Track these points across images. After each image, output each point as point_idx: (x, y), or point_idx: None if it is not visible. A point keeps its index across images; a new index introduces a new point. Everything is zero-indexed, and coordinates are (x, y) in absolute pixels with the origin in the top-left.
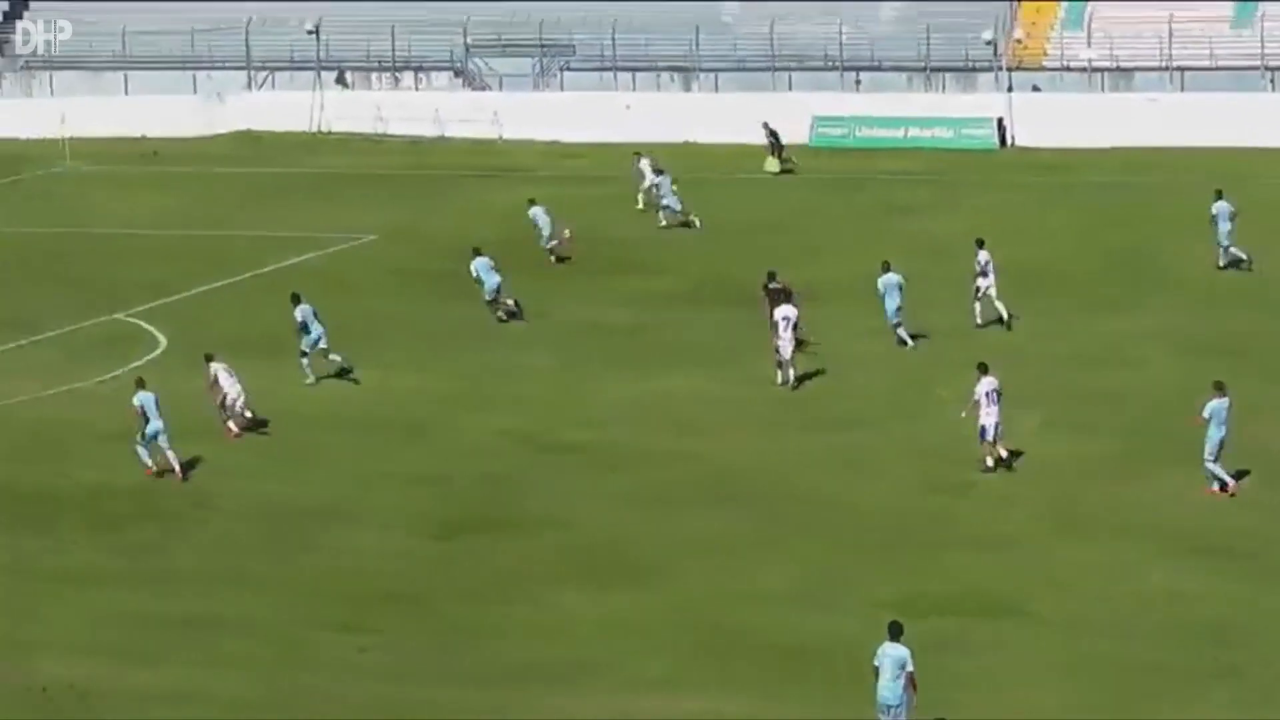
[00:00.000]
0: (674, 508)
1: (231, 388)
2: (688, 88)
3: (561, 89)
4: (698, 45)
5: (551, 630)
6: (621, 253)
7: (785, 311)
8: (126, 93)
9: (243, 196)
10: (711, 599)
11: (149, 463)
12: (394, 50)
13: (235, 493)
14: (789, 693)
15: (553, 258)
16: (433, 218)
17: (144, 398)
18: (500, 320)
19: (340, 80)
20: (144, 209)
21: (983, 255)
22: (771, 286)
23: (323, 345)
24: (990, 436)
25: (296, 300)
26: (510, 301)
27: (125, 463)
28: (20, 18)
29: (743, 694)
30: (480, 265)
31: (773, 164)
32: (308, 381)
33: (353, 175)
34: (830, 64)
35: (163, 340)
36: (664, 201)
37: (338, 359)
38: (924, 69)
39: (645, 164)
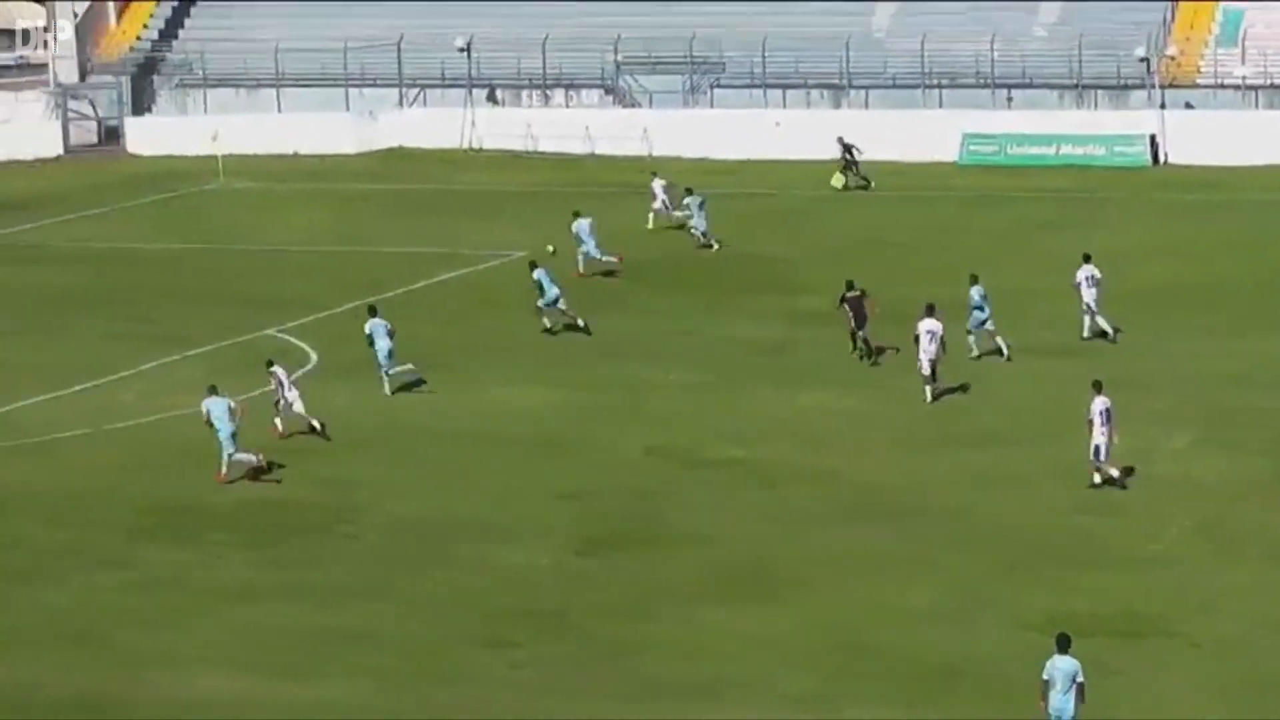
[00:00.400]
0: (819, 524)
1: (288, 391)
2: (837, 104)
3: (711, 106)
4: (848, 62)
5: (695, 647)
6: (769, 270)
7: (930, 325)
8: (280, 110)
9: (393, 213)
10: (855, 616)
11: (251, 458)
12: (545, 67)
13: (382, 508)
14: (932, 711)
15: (586, 271)
16: None
17: (209, 403)
18: (548, 332)
19: (491, 97)
20: (296, 225)
21: (1088, 269)
22: (849, 296)
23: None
24: (1103, 456)
25: (373, 313)
26: (571, 314)
27: (279, 477)
28: (176, 36)
29: (885, 712)
30: (541, 275)
31: (839, 179)
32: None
33: (502, 192)
34: (981, 81)
35: (314, 356)
36: (692, 222)
37: (408, 368)
38: (1076, 86)
39: (657, 184)
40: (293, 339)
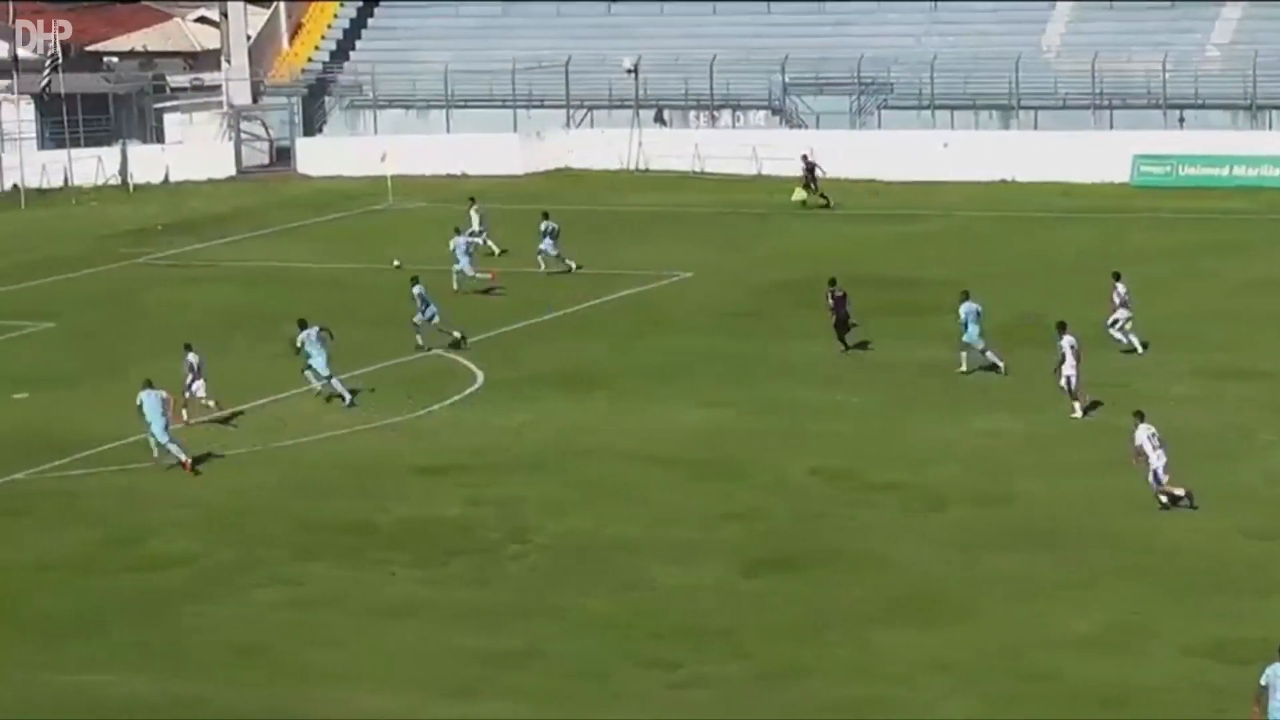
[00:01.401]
0: (986, 548)
1: (195, 381)
2: (1006, 125)
3: (879, 127)
4: (1017, 82)
5: (862, 669)
6: (936, 292)
7: (1072, 340)
8: (448, 130)
9: (560, 233)
10: (1022, 641)
11: (182, 457)
12: (712, 88)
13: (548, 527)
14: None
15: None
16: (747, 255)
17: (144, 395)
18: (419, 348)
19: (658, 118)
20: None
21: (1121, 287)
22: (834, 294)
23: (436, 321)
24: (1162, 479)
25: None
26: (456, 334)
27: (442, 496)
28: (347, 57)
29: None
30: (420, 291)
31: (800, 194)
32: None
33: (669, 213)
34: (1153, 101)
35: (480, 375)
36: (541, 245)
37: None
38: (1250, 106)
39: (474, 211)
40: (459, 358)
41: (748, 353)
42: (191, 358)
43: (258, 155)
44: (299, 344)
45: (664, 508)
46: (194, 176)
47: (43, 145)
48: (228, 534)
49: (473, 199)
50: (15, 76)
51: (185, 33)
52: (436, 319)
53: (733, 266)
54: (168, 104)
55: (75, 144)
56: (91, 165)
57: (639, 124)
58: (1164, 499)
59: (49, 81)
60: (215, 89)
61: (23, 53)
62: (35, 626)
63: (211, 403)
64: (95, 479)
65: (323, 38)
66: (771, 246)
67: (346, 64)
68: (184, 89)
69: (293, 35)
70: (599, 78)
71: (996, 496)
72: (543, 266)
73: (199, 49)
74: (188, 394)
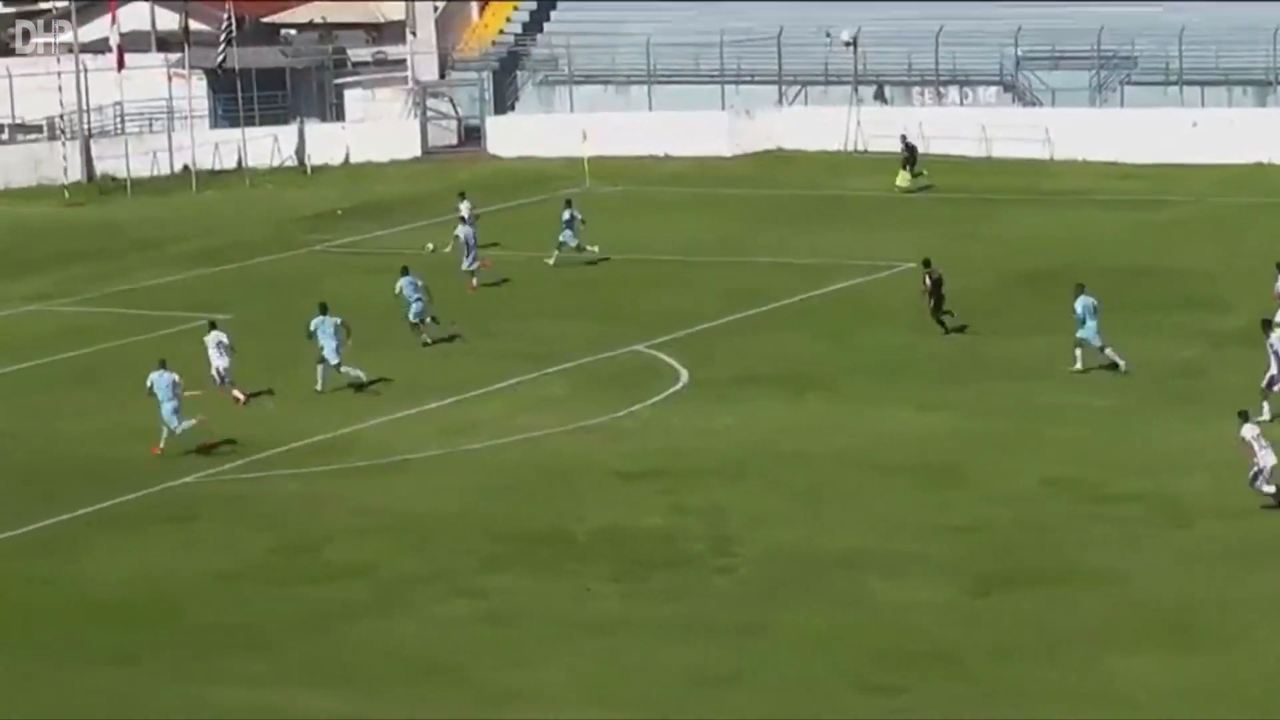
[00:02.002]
0: (1239, 565)
1: (219, 359)
2: (1263, 102)
3: (1121, 104)
4: (1276, 55)
5: (1100, 696)
6: (1185, 285)
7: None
8: (650, 108)
9: (770, 220)
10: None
11: (190, 422)
12: (937, 62)
13: (756, 538)
14: None
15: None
16: (973, 244)
17: (154, 376)
18: (425, 344)
19: (879, 95)
20: (666, 232)
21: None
22: (933, 276)
23: (420, 315)
24: (1265, 480)
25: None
26: (438, 325)
27: (643, 503)
28: (541, 30)
29: None
30: (405, 284)
31: (903, 178)
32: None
33: (888, 199)
34: None
35: (684, 373)
36: (561, 237)
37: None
38: None
39: (464, 206)
40: (662, 355)
41: (976, 350)
42: (217, 336)
43: (444, 135)
44: (311, 330)
45: (881, 518)
46: (376, 158)
47: (215, 124)
48: (410, 542)
49: (463, 193)
50: (186, 50)
51: (368, 4)
52: (423, 313)
53: (961, 256)
54: (348, 80)
55: (250, 122)
56: (267, 145)
57: (857, 101)
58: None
59: (224, 56)
60: (399, 64)
61: (195, 25)
62: (200, 637)
63: (236, 393)
64: (269, 483)
65: (515, 8)
66: (1002, 234)
67: (540, 36)
68: (366, 64)
69: (483, 6)
70: (814, 51)
71: (1249, 509)
72: (555, 257)
73: (382, 21)
74: (219, 375)
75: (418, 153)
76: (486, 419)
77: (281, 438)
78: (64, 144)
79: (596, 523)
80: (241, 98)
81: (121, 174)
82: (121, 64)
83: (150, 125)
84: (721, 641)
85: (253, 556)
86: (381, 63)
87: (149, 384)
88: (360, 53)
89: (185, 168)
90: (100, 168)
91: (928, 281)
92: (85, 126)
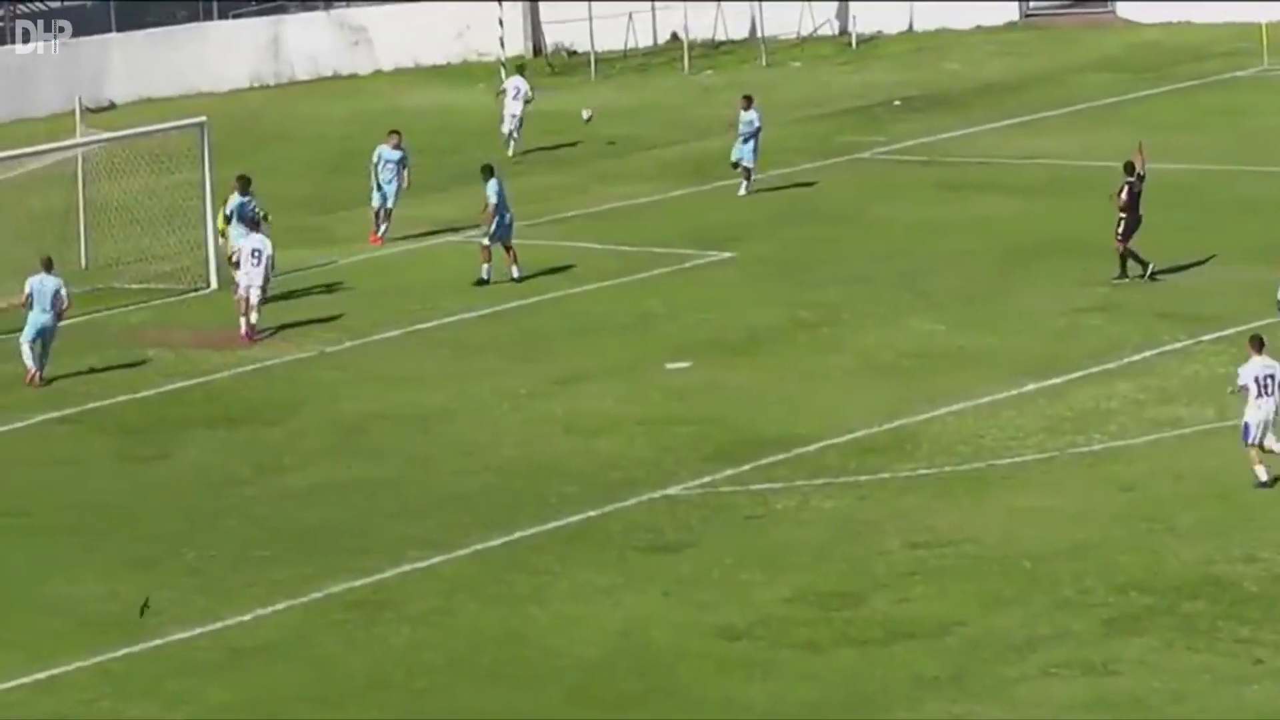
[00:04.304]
0: None
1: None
2: None
3: None
4: None
5: None
6: None
7: None
8: None
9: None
10: None
11: (29, 364)
12: None
13: None
14: None
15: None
16: None
17: (34, 281)
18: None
19: None
20: None
21: None
22: (1135, 189)
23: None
24: (1253, 437)
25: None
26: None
27: None
28: None
29: None
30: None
31: None
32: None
33: None
34: None
35: None
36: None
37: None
38: None
39: (515, 82)
40: None
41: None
42: (255, 242)
43: None
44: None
45: None
46: (951, 23)
47: None
48: (998, 590)
49: (521, 68)
50: None
51: None
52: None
53: None
54: None
55: None
56: (794, 8)
57: None
58: (1260, 473)
59: None
60: None
61: None
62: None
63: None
64: (789, 496)
65: None
66: None
67: None
68: None
69: None
70: None
71: None
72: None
73: None
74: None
75: (1014, 16)
76: (1107, 408)
77: (811, 431)
78: (500, 2)
79: (1270, 564)
80: None
81: (583, 46)
82: None
83: None
84: None
85: (762, 607)
86: None
87: (26, 291)
88: None
89: (674, 36)
90: (551, 37)
91: (1124, 193)
92: None
